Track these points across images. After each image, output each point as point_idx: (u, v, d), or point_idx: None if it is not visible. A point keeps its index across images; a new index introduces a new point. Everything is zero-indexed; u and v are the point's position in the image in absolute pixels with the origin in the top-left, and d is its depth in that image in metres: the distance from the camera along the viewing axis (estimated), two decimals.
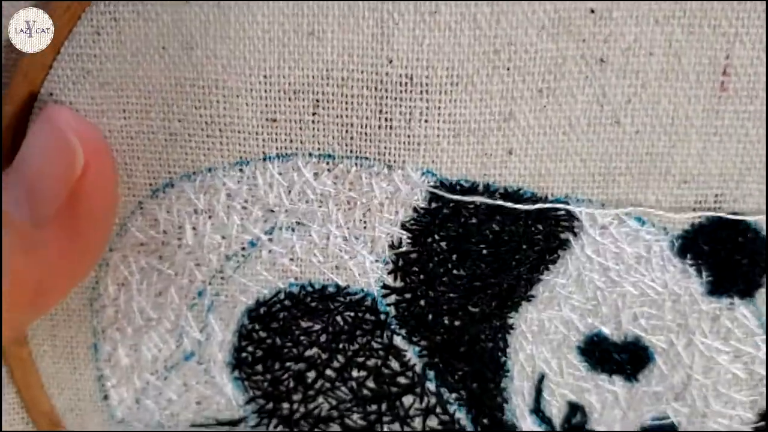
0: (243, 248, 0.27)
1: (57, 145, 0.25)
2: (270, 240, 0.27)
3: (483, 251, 0.27)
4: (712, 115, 0.25)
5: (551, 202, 0.27)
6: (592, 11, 0.25)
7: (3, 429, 0.30)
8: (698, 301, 0.27)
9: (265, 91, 0.25)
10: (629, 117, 0.25)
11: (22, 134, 0.26)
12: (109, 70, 0.25)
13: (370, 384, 0.28)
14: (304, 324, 0.28)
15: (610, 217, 0.27)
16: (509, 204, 0.26)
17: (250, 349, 0.28)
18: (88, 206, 0.25)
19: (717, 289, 0.27)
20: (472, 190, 0.26)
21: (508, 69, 0.26)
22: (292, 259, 0.27)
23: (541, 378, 0.29)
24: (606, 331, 0.28)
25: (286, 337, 0.28)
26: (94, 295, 0.28)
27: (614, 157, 0.26)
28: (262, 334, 0.28)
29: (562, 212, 0.27)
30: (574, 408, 0.29)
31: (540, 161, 0.26)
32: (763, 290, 0.27)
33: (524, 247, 0.27)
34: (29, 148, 0.25)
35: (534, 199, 0.26)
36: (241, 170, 0.26)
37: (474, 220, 0.27)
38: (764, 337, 0.27)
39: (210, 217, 0.27)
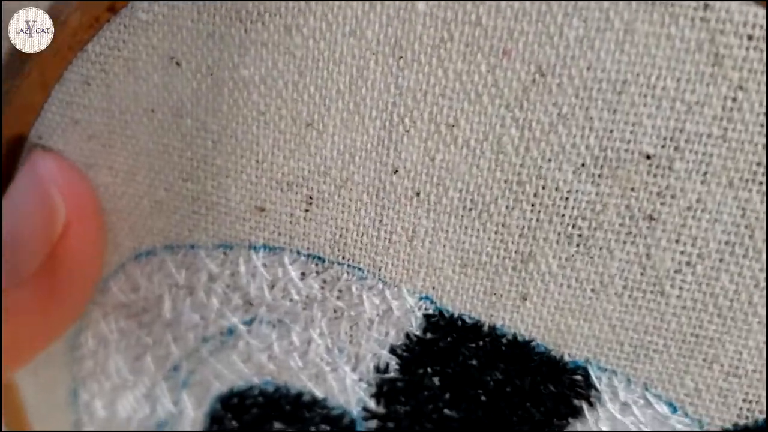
0: (221, 333, 0.31)
1: (38, 201, 0.29)
2: (248, 332, 0.31)
3: (481, 398, 0.29)
4: None
5: (568, 364, 0.30)
6: (648, 157, 0.25)
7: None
8: None
9: (256, 176, 0.28)
10: (677, 289, 0.26)
11: (12, 173, 0.33)
12: (98, 123, 0.29)
13: None
14: (277, 425, 0.32)
15: (635, 395, 0.27)
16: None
17: None
18: (69, 267, 0.29)
19: None
20: (476, 329, 0.28)
21: (533, 205, 0.26)
22: (270, 357, 0.31)
23: None
24: None
25: None
26: (76, 344, 0.33)
27: (651, 330, 0.27)
28: (234, 423, 0.32)
29: (579, 377, 0.29)
30: None
31: (560, 316, 0.27)
32: None
33: (529, 404, 0.29)
34: (11, 200, 0.29)
35: (547, 356, 0.28)
36: (224, 254, 0.30)
37: (474, 362, 0.29)
38: None
39: (190, 294, 0.31)
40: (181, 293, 0.31)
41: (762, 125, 0.23)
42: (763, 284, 0.25)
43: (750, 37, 0.23)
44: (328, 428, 0.31)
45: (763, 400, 0.26)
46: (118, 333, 0.32)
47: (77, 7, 0.28)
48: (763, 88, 0.23)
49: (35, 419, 0.36)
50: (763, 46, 0.23)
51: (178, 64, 0.28)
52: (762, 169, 0.24)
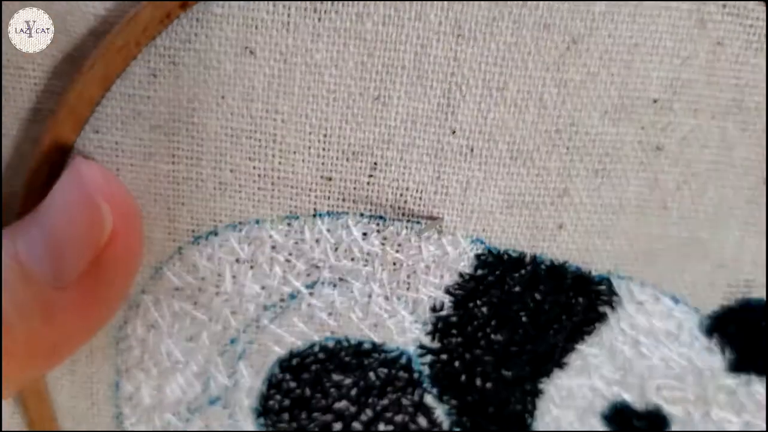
0: (282, 300, 0.36)
1: (85, 208, 0.32)
2: (311, 294, 0.36)
3: (522, 318, 0.37)
4: (753, 206, 0.36)
5: (594, 278, 0.38)
6: (655, 101, 0.34)
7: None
8: (718, 377, 0.38)
9: (324, 149, 0.34)
10: (676, 203, 0.35)
11: (60, 168, 0.34)
12: (162, 113, 0.34)
13: None
14: (335, 377, 0.37)
15: (647, 294, 0.37)
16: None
17: (278, 397, 0.38)
18: (112, 272, 0.33)
19: (738, 366, 0.38)
20: (519, 260, 0.36)
21: (567, 148, 0.34)
22: (330, 314, 0.37)
23: None
24: (629, 399, 0.38)
25: (316, 389, 0.38)
26: (121, 335, 0.37)
27: (658, 239, 0.36)
28: (292, 384, 0.37)
29: (604, 287, 0.37)
30: None
31: (588, 237, 0.36)
32: None
33: (563, 317, 0.37)
34: (55, 203, 0.32)
35: (578, 273, 0.37)
36: (289, 224, 0.35)
37: (517, 289, 0.37)
38: None
39: (252, 267, 0.36)
40: (242, 267, 0.37)
41: (734, 70, 0.36)
42: (739, 191, 0.38)
43: (725, 5, 0.35)
44: (385, 371, 0.39)
45: (741, 282, 0.39)
46: (170, 317, 0.37)
47: (148, 4, 0.33)
48: (736, 42, 0.36)
49: (69, 420, 0.40)
50: (736, 11, 0.34)
51: (251, 52, 0.34)
52: (735, 104, 0.36)
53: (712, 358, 0.37)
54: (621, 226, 0.35)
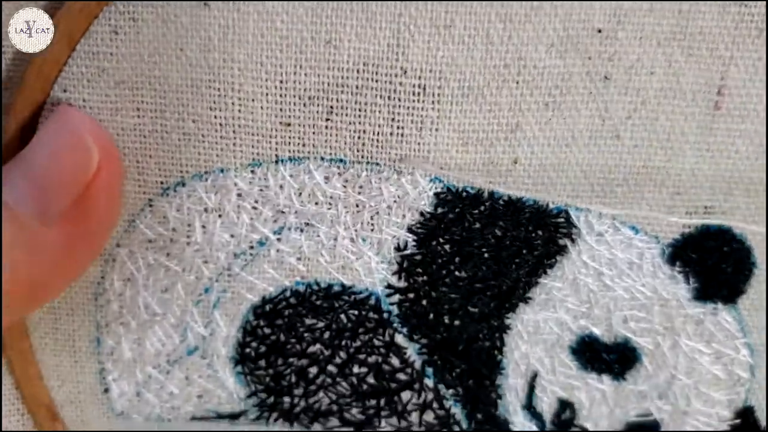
0: (251, 247, 0.37)
1: (72, 144, 0.33)
2: (278, 240, 0.37)
3: (485, 254, 0.38)
4: (706, 132, 0.36)
5: (552, 211, 0.38)
6: (599, 31, 0.34)
7: (1, 424, 0.39)
8: (684, 306, 0.38)
9: (281, 95, 0.35)
10: (629, 131, 0.36)
11: (32, 130, 0.35)
12: (125, 69, 0.35)
13: (370, 380, 0.39)
14: (308, 321, 0.38)
15: (605, 225, 0.37)
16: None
17: (253, 344, 0.39)
18: (96, 209, 0.34)
19: (702, 295, 0.38)
20: (477, 197, 0.37)
21: (517, 82, 0.35)
22: (299, 259, 0.38)
23: (534, 376, 0.39)
24: (597, 332, 0.39)
25: (290, 334, 0.38)
26: (99, 290, 0.38)
27: (613, 169, 0.37)
28: (267, 330, 0.38)
29: (562, 219, 0.37)
30: (564, 404, 0.40)
31: (543, 171, 0.36)
32: (744, 297, 0.42)
33: (524, 251, 0.38)
34: (41, 144, 0.33)
35: (535, 207, 0.37)
36: (252, 171, 0.36)
37: (477, 225, 0.37)
38: (744, 340, 0.43)
39: (220, 215, 0.37)
40: (211, 217, 0.38)
41: None
42: (689, 117, 0.38)
43: None
44: (355, 312, 0.40)
45: (700, 209, 0.39)
46: (145, 269, 0.38)
47: None
48: None
49: (54, 380, 0.41)
50: None
51: (206, 4, 0.35)
52: (679, 29, 0.37)
53: (677, 288, 0.37)
54: (575, 158, 0.36)
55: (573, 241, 0.37)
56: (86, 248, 0.35)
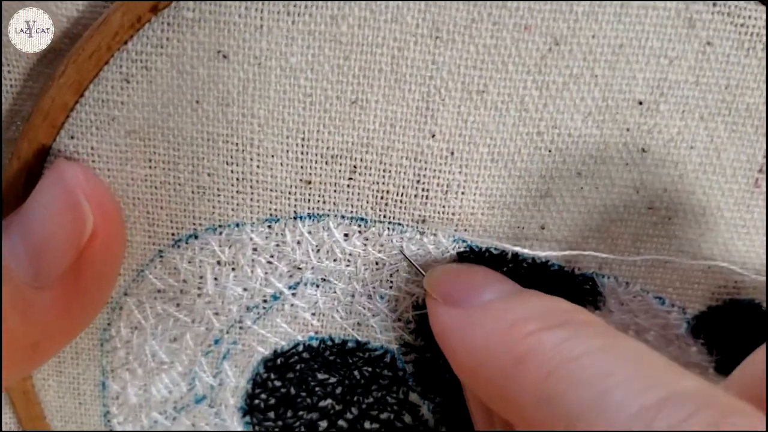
0: (265, 300, 0.35)
1: (67, 207, 0.31)
2: (293, 294, 0.35)
3: None
4: (743, 209, 0.34)
5: (578, 277, 0.36)
6: (640, 103, 0.32)
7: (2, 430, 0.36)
8: (708, 376, 0.39)
9: (302, 153, 0.33)
10: (664, 204, 0.34)
11: (38, 174, 0.32)
12: (137, 118, 0.32)
13: None
14: (320, 376, 0.36)
15: (631, 295, 0.35)
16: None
17: (263, 396, 0.37)
18: (93, 271, 0.31)
19: (725, 367, 0.37)
20: (501, 257, 0.34)
21: (549, 150, 0.32)
22: (314, 314, 0.35)
23: None
24: None
25: (301, 387, 0.36)
26: (105, 337, 0.36)
27: (644, 240, 0.34)
28: (277, 383, 0.36)
29: (588, 286, 0.35)
30: None
31: (572, 238, 0.34)
32: None
33: None
34: (37, 204, 0.31)
35: (561, 272, 0.35)
36: (270, 227, 0.34)
37: None
38: None
39: (233, 269, 0.34)
40: (224, 270, 0.35)
41: (724, 71, 0.33)
42: (727, 192, 0.34)
43: (714, 4, 0.32)
44: (369, 369, 0.37)
45: (731, 284, 0.36)
46: (154, 318, 0.36)
47: (118, 7, 0.31)
48: (726, 42, 0.32)
49: (58, 420, 0.38)
50: (726, 10, 0.32)
51: (225, 56, 0.32)
52: (725, 105, 0.33)
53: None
54: (606, 227, 0.32)
55: (597, 308, 0.34)
56: (83, 309, 0.33)
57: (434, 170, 0.33)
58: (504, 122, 0.32)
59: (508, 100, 0.32)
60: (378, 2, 0.30)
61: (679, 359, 0.36)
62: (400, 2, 0.30)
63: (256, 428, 0.37)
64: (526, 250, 0.34)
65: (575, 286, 0.35)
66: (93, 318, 0.35)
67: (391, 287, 0.35)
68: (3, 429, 0.36)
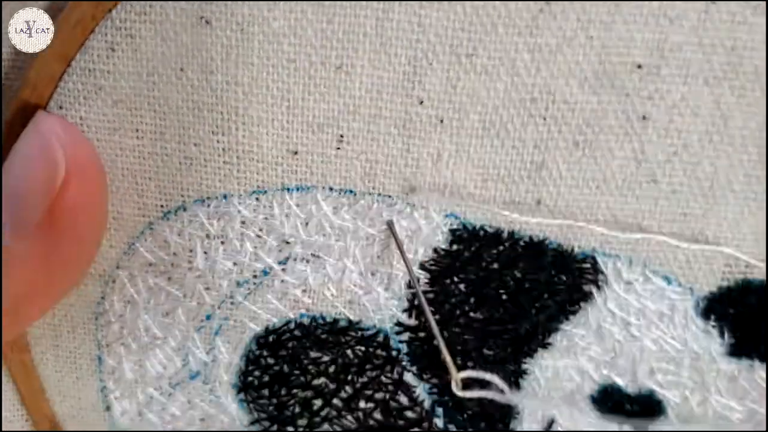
0: (255, 276, 0.34)
1: (39, 155, 0.30)
2: (283, 270, 0.34)
3: (502, 296, 0.34)
4: (753, 181, 0.32)
5: (577, 255, 0.33)
6: (640, 66, 0.30)
7: (3, 427, 0.37)
8: (717, 361, 0.34)
9: (288, 122, 0.31)
10: (667, 176, 0.32)
11: None
12: (123, 87, 0.31)
13: (377, 416, 0.36)
14: (313, 354, 0.35)
15: (636, 273, 0.33)
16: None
17: (256, 373, 0.36)
18: (70, 220, 0.30)
19: (738, 350, 0.34)
20: (496, 236, 0.33)
21: (544, 119, 0.31)
22: (304, 291, 0.34)
23: (551, 422, 0.36)
24: (621, 382, 0.35)
25: (294, 365, 0.35)
26: (100, 310, 0.35)
27: (647, 215, 0.32)
28: (270, 360, 0.35)
29: (588, 265, 0.33)
30: None
31: (570, 213, 0.32)
32: None
33: (545, 296, 0.34)
34: (15, 155, 0.30)
35: (559, 250, 0.33)
36: (257, 199, 0.33)
37: (495, 266, 0.33)
38: None
39: (222, 242, 0.33)
40: (213, 243, 0.34)
41: (730, 31, 0.30)
42: (737, 164, 0.32)
43: None
44: (362, 348, 0.35)
45: (741, 263, 0.33)
46: (146, 292, 0.35)
47: None
48: (731, 2, 0.30)
49: (56, 395, 0.37)
50: None
51: (207, 22, 0.31)
52: (731, 68, 0.31)
53: (710, 342, 0.32)
54: (605, 201, 0.30)
55: (599, 288, 0.32)
56: (65, 264, 0.32)
57: (423, 139, 0.31)
58: (495, 88, 0.30)
59: (499, 64, 0.30)
60: None
61: (685, 342, 0.34)
62: None
63: (251, 405, 0.36)
64: (522, 228, 0.32)
65: (574, 265, 0.33)
66: (75, 279, 0.34)
67: (382, 264, 0.33)
68: (6, 404, 0.36)
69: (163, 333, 0.35)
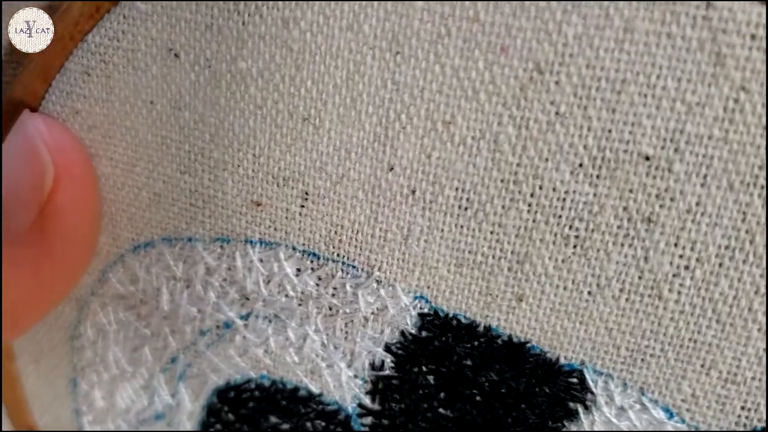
0: (218, 327, 0.31)
1: (27, 157, 0.28)
2: (245, 326, 0.30)
3: (476, 398, 0.28)
4: None
5: (564, 367, 0.28)
6: (648, 158, 0.24)
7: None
8: None
9: (253, 170, 0.28)
10: (675, 293, 0.25)
11: None
12: (98, 114, 0.29)
13: None
14: (272, 419, 0.31)
15: (631, 399, 0.27)
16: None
17: (217, 427, 0.33)
18: (60, 224, 0.29)
19: None
20: (471, 329, 0.28)
21: (529, 205, 0.25)
22: (266, 351, 0.30)
23: None
24: None
25: (253, 427, 0.32)
26: (75, 334, 0.33)
27: (648, 335, 0.26)
28: (231, 416, 0.32)
29: (574, 380, 0.28)
30: None
31: (556, 317, 0.27)
32: None
33: (524, 406, 0.28)
34: (3, 161, 0.29)
35: (542, 358, 0.27)
36: (221, 247, 0.29)
37: (469, 362, 0.28)
38: None
39: (188, 287, 0.30)
40: (178, 286, 0.30)
41: (764, 127, 0.22)
42: (763, 290, 0.24)
43: (753, 37, 0.22)
44: (323, 423, 0.31)
45: (762, 409, 0.26)
46: (116, 324, 0.32)
47: None
48: (765, 89, 0.22)
49: (37, 409, 0.36)
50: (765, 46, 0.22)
51: (176, 55, 0.27)
52: (763, 173, 0.23)
53: None
54: (599, 311, 0.25)
55: (587, 408, 0.26)
56: (59, 268, 0.30)
57: (393, 209, 0.26)
58: (474, 163, 0.25)
59: (480, 137, 0.25)
60: (333, 5, 0.24)
61: None
62: (357, 8, 0.24)
63: None
64: (500, 325, 0.26)
65: (559, 378, 0.26)
66: (71, 282, 0.32)
67: (346, 338, 0.29)
68: None
69: (131, 368, 0.32)
